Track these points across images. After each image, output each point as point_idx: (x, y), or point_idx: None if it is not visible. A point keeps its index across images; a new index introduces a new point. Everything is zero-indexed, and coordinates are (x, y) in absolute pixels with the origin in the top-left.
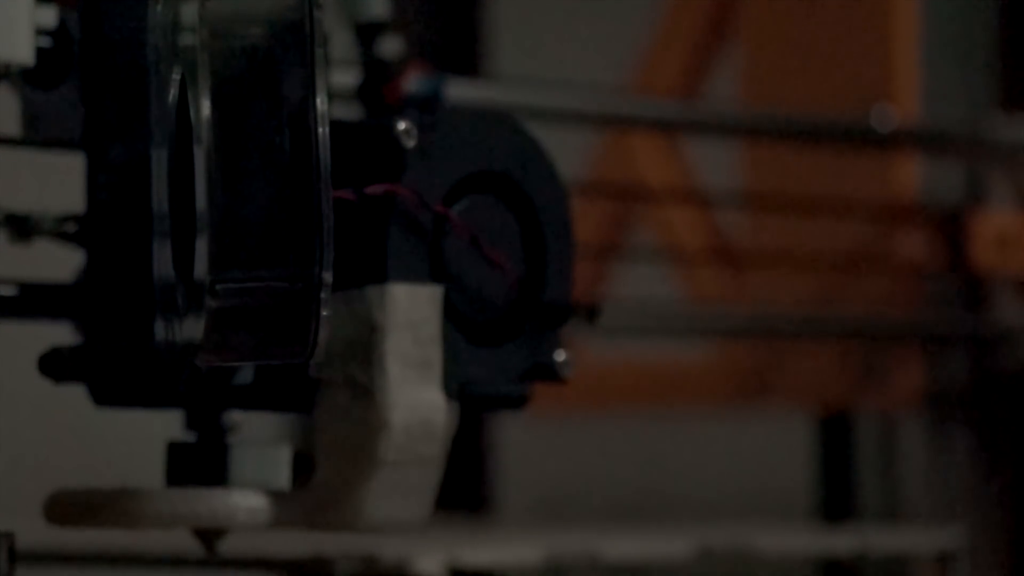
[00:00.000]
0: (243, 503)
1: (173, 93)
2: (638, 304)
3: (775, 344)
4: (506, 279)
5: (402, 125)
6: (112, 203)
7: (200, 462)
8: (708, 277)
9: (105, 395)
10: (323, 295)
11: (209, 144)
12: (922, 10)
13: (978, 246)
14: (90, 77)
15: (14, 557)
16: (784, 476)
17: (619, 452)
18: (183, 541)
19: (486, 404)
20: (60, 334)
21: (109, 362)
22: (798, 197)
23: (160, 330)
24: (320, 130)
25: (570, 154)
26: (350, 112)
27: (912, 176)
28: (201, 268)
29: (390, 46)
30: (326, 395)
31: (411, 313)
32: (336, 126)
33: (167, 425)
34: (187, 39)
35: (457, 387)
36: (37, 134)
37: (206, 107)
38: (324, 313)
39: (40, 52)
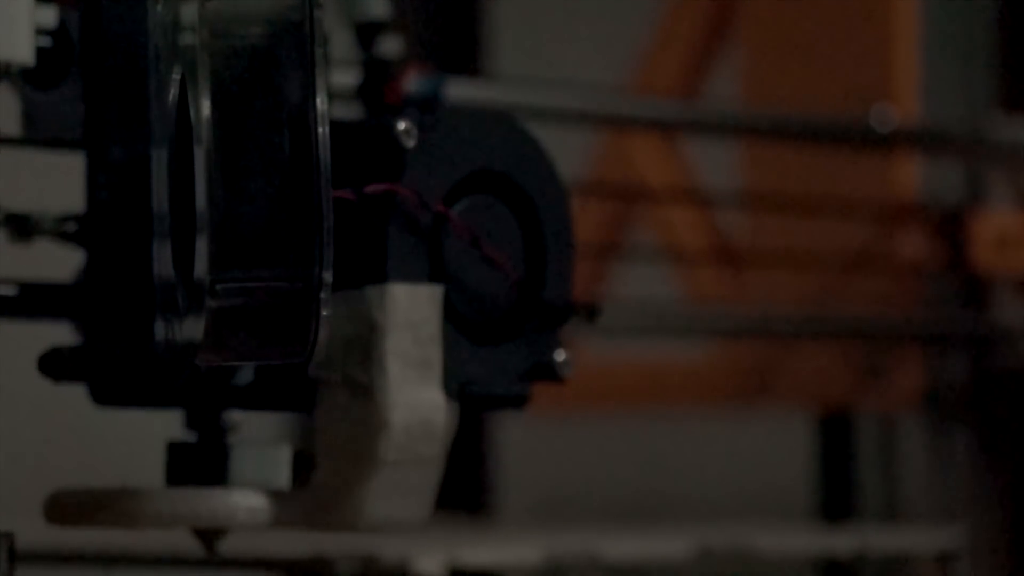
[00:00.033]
0: (243, 503)
1: (173, 93)
2: (638, 304)
3: (775, 344)
4: (506, 279)
5: (402, 125)
6: (112, 203)
7: (200, 462)
8: (708, 277)
9: (105, 395)
10: (323, 295)
11: (209, 144)
12: (922, 10)
13: (978, 246)
14: (90, 77)
15: (14, 557)
16: (784, 476)
17: (619, 452)
18: (183, 541)
19: (486, 404)
20: (60, 334)
21: (109, 362)
22: (798, 197)
23: (160, 330)
24: (320, 130)
25: (570, 154)
26: (350, 112)
27: (912, 176)
28: (201, 268)
29: (390, 46)
30: (326, 395)
31: (411, 313)
32: (336, 126)
33: (167, 425)
34: (187, 39)
35: (457, 387)
36: (37, 134)
37: (206, 107)
38: (324, 313)
39: (40, 52)
